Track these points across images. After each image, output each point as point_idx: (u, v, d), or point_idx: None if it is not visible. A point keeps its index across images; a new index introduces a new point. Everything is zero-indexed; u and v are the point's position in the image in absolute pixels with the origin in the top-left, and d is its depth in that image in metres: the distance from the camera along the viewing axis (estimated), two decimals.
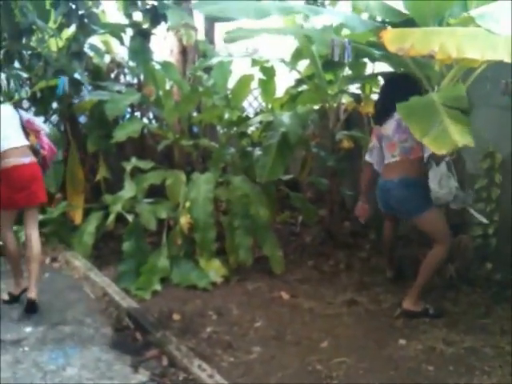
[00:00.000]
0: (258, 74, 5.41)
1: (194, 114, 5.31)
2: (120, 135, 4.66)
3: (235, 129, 5.17)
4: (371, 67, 4.83)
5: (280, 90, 5.62)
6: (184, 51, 5.54)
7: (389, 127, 3.58)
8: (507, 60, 2.73)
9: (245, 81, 5.22)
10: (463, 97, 3.09)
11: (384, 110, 3.64)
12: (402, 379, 2.71)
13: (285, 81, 5.62)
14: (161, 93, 5.00)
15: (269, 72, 5.34)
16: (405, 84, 3.61)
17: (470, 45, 2.84)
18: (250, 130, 5.62)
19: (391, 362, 2.89)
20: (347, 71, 4.92)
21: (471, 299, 3.66)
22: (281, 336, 3.23)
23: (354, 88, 5.21)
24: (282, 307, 3.69)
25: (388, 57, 3.80)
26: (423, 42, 2.92)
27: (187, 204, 4.29)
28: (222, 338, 3.20)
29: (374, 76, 4.81)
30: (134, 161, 4.67)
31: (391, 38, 2.99)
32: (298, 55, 5.00)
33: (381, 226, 5.07)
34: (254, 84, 5.60)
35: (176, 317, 3.49)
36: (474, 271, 3.94)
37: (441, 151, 2.78)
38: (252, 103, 6.96)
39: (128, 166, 4.58)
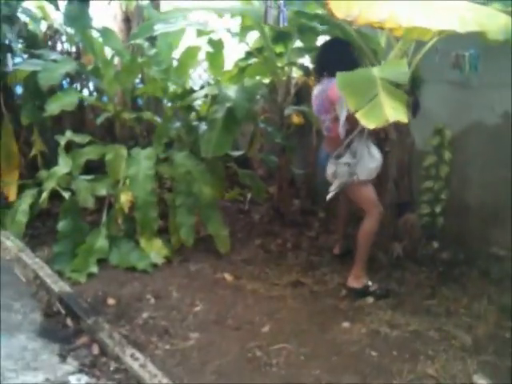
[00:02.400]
0: (207, 48, 5.15)
1: (140, 86, 5.03)
2: (53, 108, 4.28)
3: (180, 102, 4.92)
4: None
5: (230, 63, 5.38)
6: (127, 19, 5.24)
7: (313, 101, 3.50)
8: (460, 30, 2.60)
9: (191, 52, 4.94)
10: (404, 72, 2.94)
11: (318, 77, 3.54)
12: (344, 365, 2.60)
13: (235, 53, 5.38)
14: (99, 62, 4.68)
15: (217, 45, 5.07)
16: (339, 50, 3.47)
17: (422, 14, 2.67)
18: (198, 103, 5.38)
19: (334, 346, 2.78)
20: (298, 43, 4.72)
21: (417, 279, 3.60)
22: (221, 320, 3.07)
23: (308, 62, 5.02)
24: (225, 289, 3.52)
25: (333, 30, 3.64)
26: (372, 9, 2.72)
27: (127, 181, 4.06)
28: (158, 324, 3.02)
29: None
30: (68, 134, 4.34)
31: (338, 5, 2.79)
32: (246, 27, 4.76)
33: (330, 204, 4.97)
34: (204, 55, 5.33)
35: (111, 301, 3.28)
36: (420, 250, 3.88)
37: (371, 126, 2.61)
38: (202, 75, 6.68)
39: (62, 141, 4.26)
